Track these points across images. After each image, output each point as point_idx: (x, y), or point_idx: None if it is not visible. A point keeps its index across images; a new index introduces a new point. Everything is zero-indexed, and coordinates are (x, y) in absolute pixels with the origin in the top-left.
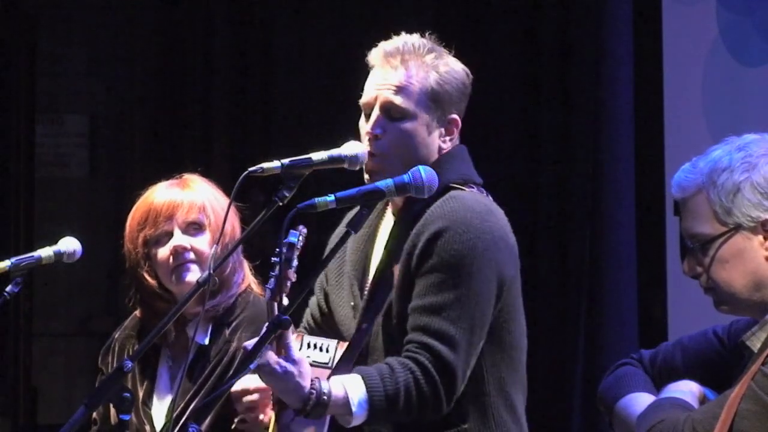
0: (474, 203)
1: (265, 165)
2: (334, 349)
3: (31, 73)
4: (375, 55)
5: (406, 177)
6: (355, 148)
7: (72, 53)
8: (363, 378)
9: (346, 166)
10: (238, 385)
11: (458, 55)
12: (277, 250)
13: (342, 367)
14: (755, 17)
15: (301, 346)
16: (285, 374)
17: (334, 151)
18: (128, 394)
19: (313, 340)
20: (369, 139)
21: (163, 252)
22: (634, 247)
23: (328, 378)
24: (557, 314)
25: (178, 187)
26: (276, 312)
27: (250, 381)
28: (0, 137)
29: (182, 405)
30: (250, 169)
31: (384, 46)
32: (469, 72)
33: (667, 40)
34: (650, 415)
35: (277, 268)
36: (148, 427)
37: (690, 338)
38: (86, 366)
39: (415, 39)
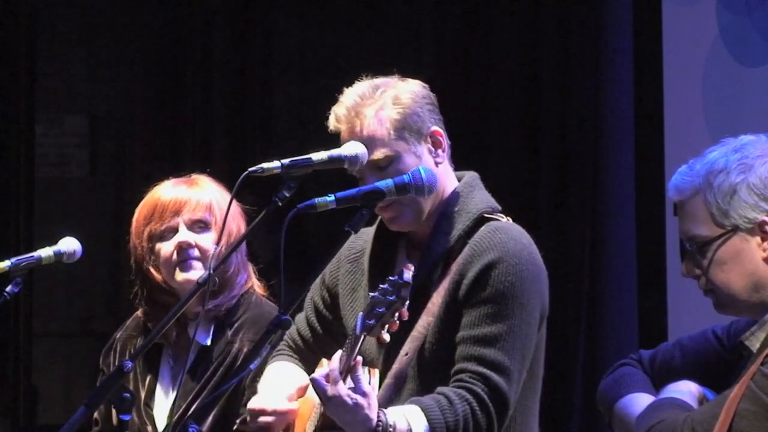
0: (519, 235)
1: (265, 165)
2: (367, 375)
3: (31, 73)
4: (333, 123)
5: (406, 177)
6: (355, 148)
7: (72, 53)
8: (423, 410)
9: (346, 166)
10: (257, 403)
11: (458, 56)
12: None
13: (388, 394)
14: (755, 17)
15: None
16: (355, 406)
17: (334, 151)
18: (128, 395)
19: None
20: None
21: (168, 247)
22: (634, 247)
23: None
24: (557, 314)
25: (186, 185)
26: (276, 312)
27: (269, 401)
28: (0, 137)
29: (184, 405)
30: (250, 169)
31: (335, 110)
32: (424, 84)
33: (667, 40)
34: (649, 415)
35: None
36: (149, 428)
37: (689, 338)
38: (86, 366)
39: (358, 88)
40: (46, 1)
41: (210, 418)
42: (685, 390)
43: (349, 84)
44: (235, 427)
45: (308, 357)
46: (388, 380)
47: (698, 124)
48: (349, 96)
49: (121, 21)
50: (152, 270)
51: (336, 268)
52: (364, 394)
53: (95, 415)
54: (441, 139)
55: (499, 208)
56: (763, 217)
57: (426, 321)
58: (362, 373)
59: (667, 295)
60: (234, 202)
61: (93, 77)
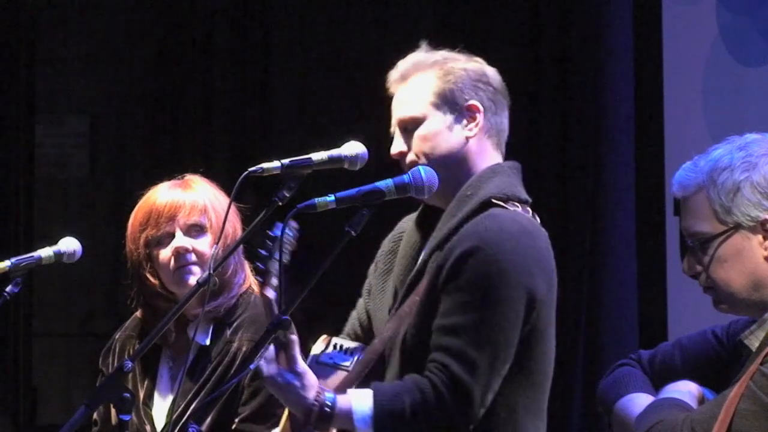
0: (510, 223)
1: (265, 165)
2: (359, 353)
3: (31, 73)
4: (388, 84)
5: (406, 177)
6: (355, 148)
7: (72, 53)
8: (374, 393)
9: (346, 166)
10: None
11: None
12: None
13: (358, 372)
14: (755, 17)
15: (327, 347)
16: (287, 386)
17: (334, 151)
18: (128, 395)
19: (340, 342)
20: (399, 161)
21: (165, 253)
22: (634, 247)
23: (344, 384)
24: (557, 314)
25: (180, 188)
26: (275, 311)
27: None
28: (0, 137)
29: (183, 405)
30: (250, 169)
31: (391, 73)
32: (491, 68)
33: (667, 40)
34: (649, 415)
35: (275, 266)
36: (148, 427)
37: (689, 338)
38: (86, 366)
39: (418, 55)
40: (46, 1)
41: (209, 418)
42: (685, 390)
43: (349, 84)
44: (234, 426)
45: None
46: (374, 359)
47: (698, 124)
48: (406, 61)
49: (121, 21)
50: (149, 276)
51: (381, 248)
52: (297, 374)
53: (94, 415)
54: (477, 114)
55: (523, 197)
56: (766, 216)
57: (413, 300)
58: (297, 351)
59: (667, 295)
60: (227, 201)
61: (93, 77)
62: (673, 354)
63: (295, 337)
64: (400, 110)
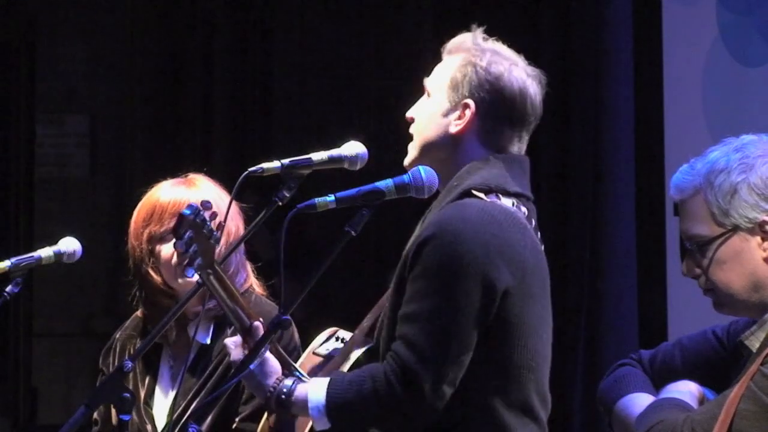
0: (476, 212)
1: (265, 165)
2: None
3: (31, 73)
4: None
5: (406, 177)
6: (355, 148)
7: (72, 53)
8: (329, 383)
9: (346, 166)
10: None
11: None
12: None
13: (338, 363)
14: (755, 17)
15: (329, 338)
16: (249, 372)
17: (334, 151)
18: (128, 395)
19: (344, 334)
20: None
21: (168, 249)
22: (634, 247)
23: (325, 374)
24: (557, 314)
25: (184, 185)
26: (276, 311)
27: None
28: (0, 137)
29: (184, 404)
30: (250, 169)
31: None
32: (521, 79)
33: (667, 40)
34: (649, 415)
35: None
36: (149, 427)
37: (689, 338)
38: (86, 366)
39: (471, 36)
40: (46, 1)
41: (210, 418)
42: (685, 390)
43: (349, 84)
44: (234, 425)
45: None
46: (348, 347)
47: (698, 124)
48: (460, 38)
49: (121, 21)
50: (151, 272)
51: None
52: (258, 361)
53: (95, 415)
54: (467, 112)
55: (507, 188)
56: (764, 217)
57: (390, 290)
58: (260, 338)
59: (667, 295)
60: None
61: (93, 77)
62: (674, 354)
63: (258, 324)
64: (430, 77)
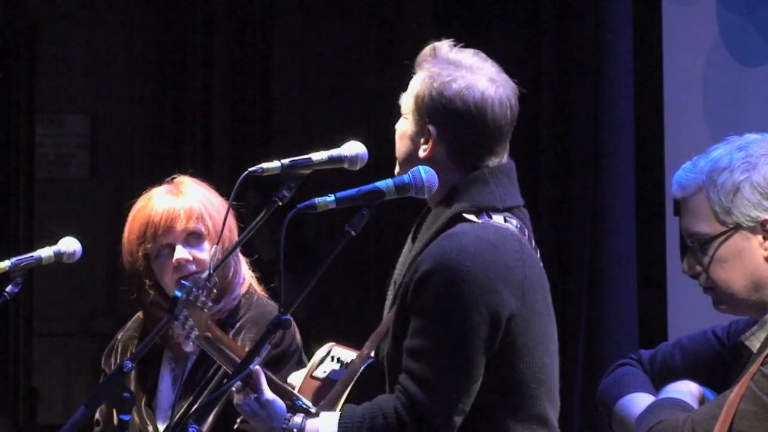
0: (472, 240)
1: (265, 165)
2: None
3: (31, 73)
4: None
5: (406, 177)
6: (355, 148)
7: (72, 53)
8: (340, 417)
9: (346, 166)
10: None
11: None
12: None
13: (338, 392)
14: (755, 17)
15: (326, 356)
16: (253, 415)
17: (334, 151)
18: (128, 395)
19: (339, 353)
20: None
21: (165, 265)
22: (634, 247)
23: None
24: (557, 314)
25: (173, 194)
26: (276, 311)
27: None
28: (0, 137)
29: (185, 405)
30: (250, 169)
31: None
32: (480, 91)
33: (667, 40)
34: (649, 415)
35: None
36: (150, 428)
37: (689, 338)
38: (86, 366)
39: (438, 45)
40: (46, 1)
41: (210, 418)
42: (685, 390)
43: (349, 84)
44: (235, 426)
45: None
46: (348, 374)
47: (698, 124)
48: (429, 48)
49: (121, 21)
50: (149, 289)
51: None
52: (262, 405)
53: (97, 415)
54: (430, 140)
55: (495, 204)
56: (766, 216)
57: (390, 317)
58: (262, 383)
59: (667, 295)
60: (222, 202)
61: (93, 77)
62: (674, 354)
63: (259, 369)
64: (402, 96)
